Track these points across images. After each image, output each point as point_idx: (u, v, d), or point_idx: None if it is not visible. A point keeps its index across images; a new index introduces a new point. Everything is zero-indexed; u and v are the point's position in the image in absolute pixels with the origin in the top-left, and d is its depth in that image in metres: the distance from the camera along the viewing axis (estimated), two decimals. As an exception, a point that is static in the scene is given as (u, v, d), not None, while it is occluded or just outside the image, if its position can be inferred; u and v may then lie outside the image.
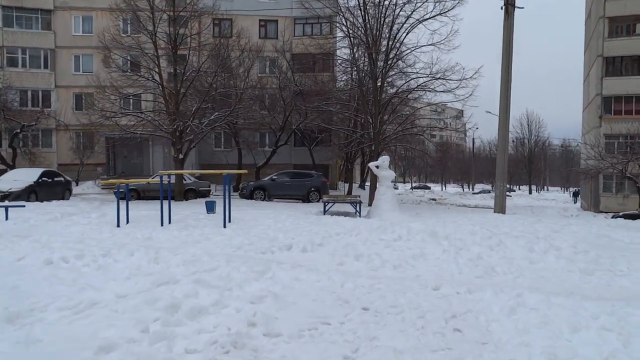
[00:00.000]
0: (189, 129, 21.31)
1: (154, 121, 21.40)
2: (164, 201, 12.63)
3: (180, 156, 21.33)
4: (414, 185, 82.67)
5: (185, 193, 22.40)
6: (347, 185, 34.28)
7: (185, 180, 22.74)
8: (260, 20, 35.36)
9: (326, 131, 31.09)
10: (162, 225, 11.68)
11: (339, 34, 25.91)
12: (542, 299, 5.53)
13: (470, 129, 26.06)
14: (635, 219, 16.24)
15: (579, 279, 7.26)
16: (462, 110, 36.35)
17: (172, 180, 21.47)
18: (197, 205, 17.44)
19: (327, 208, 15.94)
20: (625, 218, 16.81)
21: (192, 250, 7.65)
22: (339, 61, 28.11)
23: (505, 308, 5.23)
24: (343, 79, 29.87)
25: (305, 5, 22.88)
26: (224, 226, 11.67)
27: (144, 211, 14.66)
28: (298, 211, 16.28)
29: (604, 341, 4.33)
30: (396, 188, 74.12)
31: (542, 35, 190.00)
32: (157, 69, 20.57)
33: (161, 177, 12.04)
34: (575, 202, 46.00)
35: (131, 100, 26.27)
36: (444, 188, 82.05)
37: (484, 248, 9.19)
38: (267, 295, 5.39)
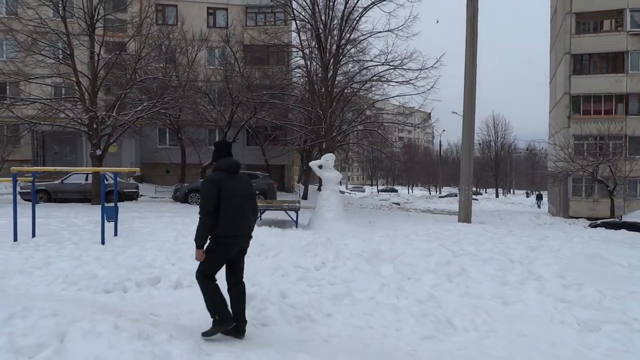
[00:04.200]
0: (110, 121, 18.19)
1: (66, 110, 18.11)
2: (33, 206, 9.63)
3: (98, 152, 18.14)
4: (380, 188, 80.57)
5: (106, 196, 19.16)
6: (304, 188, 31.54)
7: (107, 180, 19.52)
8: (208, 8, 32.26)
9: (280, 128, 28.28)
10: (15, 240, 8.66)
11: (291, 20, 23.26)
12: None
13: (433, 124, 23.55)
14: (618, 229, 14.07)
15: (578, 339, 4.68)
16: (430, 113, 34.31)
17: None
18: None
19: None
20: (606, 227, 14.63)
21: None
22: (293, 51, 25.36)
23: None
24: (297, 72, 27.03)
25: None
26: (102, 242, 8.80)
27: (25, 218, 11.48)
28: (225, 220, 13.42)
29: None
30: (363, 191, 71.98)
31: (507, 37, 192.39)
32: (68, 50, 17.36)
33: (14, 177, 8.99)
34: (538, 207, 44.40)
35: (51, 89, 22.83)
36: (410, 191, 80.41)
37: (440, 279, 6.61)
38: None
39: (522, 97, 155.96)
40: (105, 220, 12.10)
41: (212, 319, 4.34)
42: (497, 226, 14.06)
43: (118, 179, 20.82)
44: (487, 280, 6.55)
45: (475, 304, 5.59)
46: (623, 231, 13.26)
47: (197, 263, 4.42)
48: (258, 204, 14.41)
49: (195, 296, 5.63)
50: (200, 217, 4.28)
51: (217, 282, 4.43)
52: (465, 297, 5.92)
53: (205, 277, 4.36)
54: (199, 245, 4.27)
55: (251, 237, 4.69)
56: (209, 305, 4.36)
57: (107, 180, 19.50)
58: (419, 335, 4.65)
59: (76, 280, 5.89)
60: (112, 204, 12.87)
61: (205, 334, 4.28)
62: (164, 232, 9.93)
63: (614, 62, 31.20)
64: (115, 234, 9.76)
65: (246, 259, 7.65)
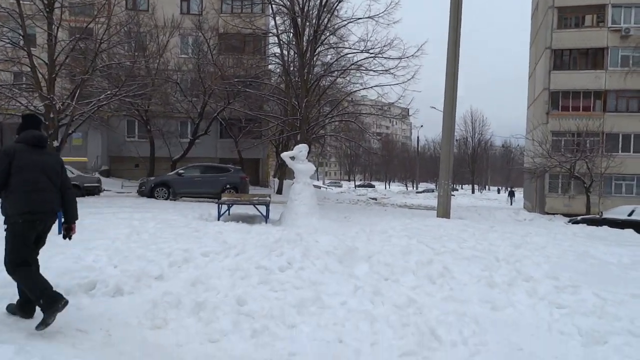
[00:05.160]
0: (69, 111, 17.00)
1: (20, 98, 16.85)
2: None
3: (55, 143, 16.92)
4: (358, 183, 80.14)
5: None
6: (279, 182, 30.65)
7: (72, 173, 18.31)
8: (182, -7, 30.98)
9: (254, 120, 27.28)
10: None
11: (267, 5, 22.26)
12: None
13: (412, 115, 22.88)
14: (599, 225, 13.67)
15: (583, 355, 4.00)
16: (408, 109, 33.94)
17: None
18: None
19: (223, 212, 12.19)
20: (587, 224, 14.22)
21: None
22: (270, 36, 24.34)
23: None
24: (272, 60, 26.06)
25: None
26: (43, 240, 7.78)
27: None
28: (190, 214, 12.50)
29: None
30: (340, 186, 71.34)
31: (485, 33, 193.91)
32: (22, 32, 16.10)
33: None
34: (511, 204, 44.47)
35: (9, 75, 21.38)
36: (387, 187, 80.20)
37: (420, 280, 5.88)
38: None
39: (500, 93, 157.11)
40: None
41: (40, 307, 3.94)
42: (478, 222, 13.49)
43: (79, 172, 19.70)
44: (473, 281, 5.86)
45: (462, 310, 4.87)
46: (605, 228, 12.85)
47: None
48: (225, 198, 13.44)
49: (134, 305, 4.80)
50: None
51: (31, 267, 4.13)
52: (450, 301, 5.21)
53: (16, 267, 4.02)
54: None
55: (54, 215, 4.39)
56: (32, 294, 4.01)
57: (72, 173, 18.39)
58: (399, 351, 3.91)
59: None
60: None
61: (40, 327, 3.86)
62: (117, 230, 8.91)
63: (594, 58, 31.05)
64: (60, 232, 8.72)
65: (205, 258, 6.87)
